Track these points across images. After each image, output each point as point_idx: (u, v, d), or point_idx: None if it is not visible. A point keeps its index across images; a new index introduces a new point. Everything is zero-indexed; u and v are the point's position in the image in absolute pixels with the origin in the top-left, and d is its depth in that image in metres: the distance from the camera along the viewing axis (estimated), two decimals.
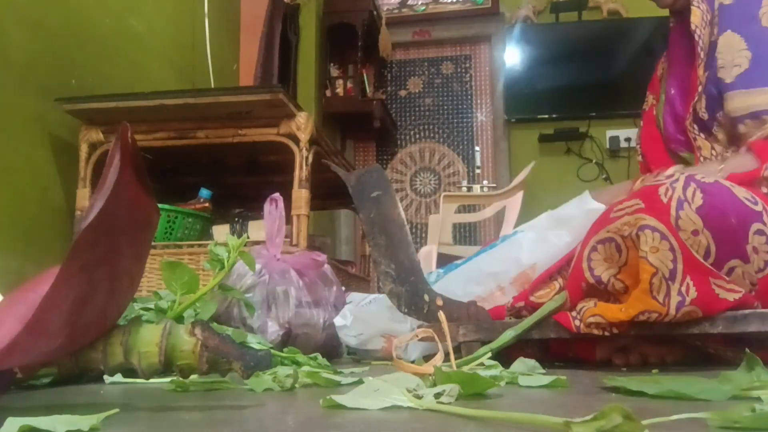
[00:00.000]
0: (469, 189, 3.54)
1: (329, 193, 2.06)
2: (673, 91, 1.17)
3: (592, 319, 0.79)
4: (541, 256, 0.95)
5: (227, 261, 0.90)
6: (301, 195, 1.63)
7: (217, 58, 2.66)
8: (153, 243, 1.65)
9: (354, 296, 1.18)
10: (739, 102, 0.97)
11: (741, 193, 0.81)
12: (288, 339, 1.10)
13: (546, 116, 3.80)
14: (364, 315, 1.05)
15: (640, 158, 1.29)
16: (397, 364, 0.63)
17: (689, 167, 1.06)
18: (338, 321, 1.10)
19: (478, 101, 4.15)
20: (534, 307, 0.89)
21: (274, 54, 3.04)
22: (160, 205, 1.66)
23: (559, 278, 0.92)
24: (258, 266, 1.10)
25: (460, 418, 0.35)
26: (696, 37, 1.05)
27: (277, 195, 1.15)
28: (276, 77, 2.99)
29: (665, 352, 0.89)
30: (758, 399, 0.41)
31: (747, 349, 0.53)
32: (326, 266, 1.24)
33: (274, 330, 1.09)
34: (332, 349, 1.19)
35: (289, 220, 1.57)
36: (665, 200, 0.78)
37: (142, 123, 1.68)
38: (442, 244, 2.50)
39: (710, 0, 1.05)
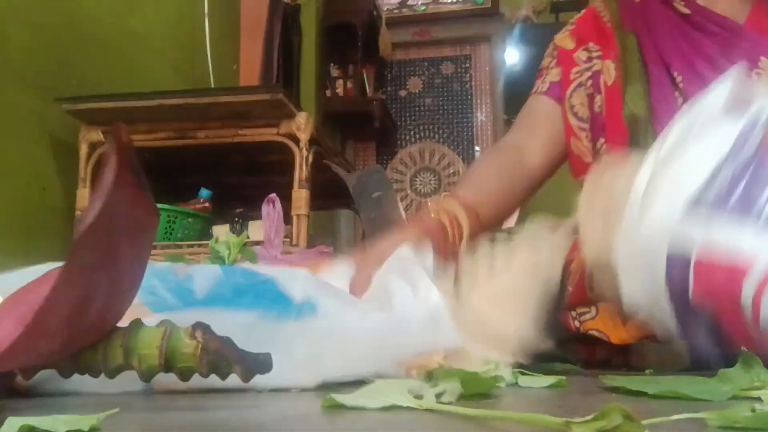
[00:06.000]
0: None
1: (329, 193, 2.06)
2: (677, 75, 0.92)
3: (593, 332, 0.77)
4: None
5: (228, 258, 0.90)
6: (301, 195, 1.63)
7: (217, 58, 2.66)
8: (153, 243, 1.65)
9: None
10: None
11: None
12: None
13: None
14: None
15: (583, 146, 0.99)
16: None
17: None
18: None
19: (478, 101, 4.15)
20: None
21: (274, 55, 3.04)
22: (160, 205, 1.67)
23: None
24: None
25: (460, 418, 0.35)
26: None
27: (273, 195, 1.15)
28: (275, 78, 2.99)
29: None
30: (758, 399, 0.41)
31: (745, 349, 0.53)
32: None
33: None
34: None
35: (289, 220, 1.57)
36: None
37: (142, 123, 1.69)
38: None
39: None
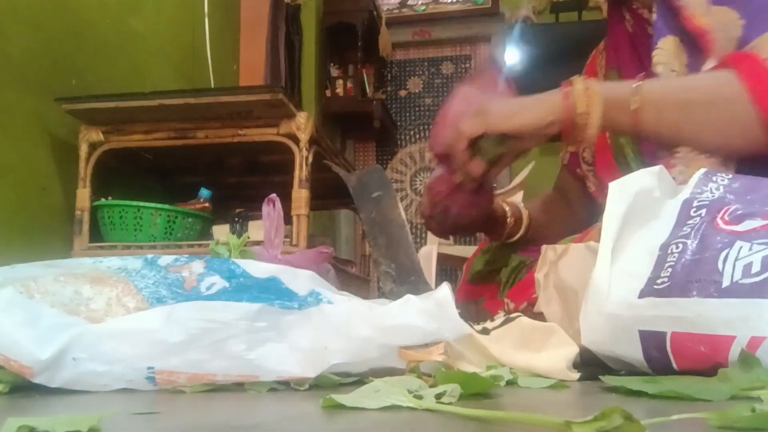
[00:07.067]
0: None
1: (329, 193, 2.07)
2: None
3: None
4: None
5: None
6: (301, 195, 1.63)
7: (217, 58, 2.66)
8: (153, 243, 1.65)
9: None
10: None
11: None
12: None
13: None
14: None
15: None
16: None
17: None
18: None
19: None
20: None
21: (280, 55, 3.05)
22: (160, 206, 1.67)
23: None
24: None
25: (460, 418, 0.35)
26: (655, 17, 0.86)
27: (273, 196, 1.15)
28: (283, 78, 2.99)
29: None
30: (758, 399, 0.41)
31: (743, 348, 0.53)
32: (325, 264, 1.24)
33: None
34: None
35: (289, 220, 1.57)
36: None
37: (142, 123, 1.68)
38: (442, 244, 2.50)
39: None
